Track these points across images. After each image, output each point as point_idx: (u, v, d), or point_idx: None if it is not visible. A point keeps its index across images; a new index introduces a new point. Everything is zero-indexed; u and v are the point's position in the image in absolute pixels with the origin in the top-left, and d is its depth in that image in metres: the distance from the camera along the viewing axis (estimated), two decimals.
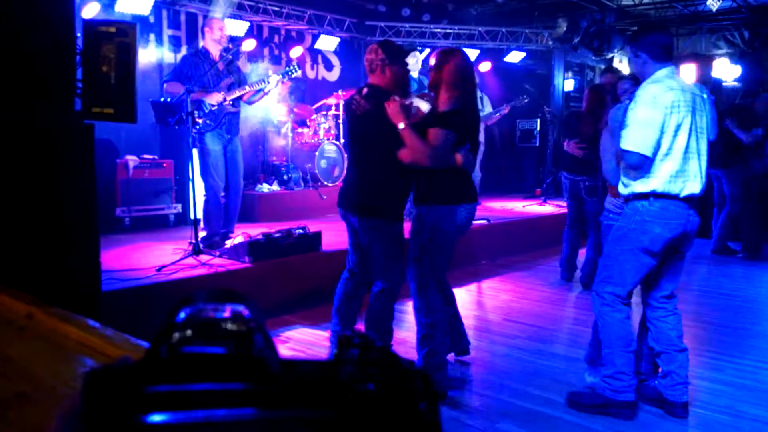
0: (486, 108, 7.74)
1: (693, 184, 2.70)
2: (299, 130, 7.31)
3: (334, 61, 8.88)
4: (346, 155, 7.39)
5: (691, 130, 2.68)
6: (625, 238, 2.79)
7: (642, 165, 2.67)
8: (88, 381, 0.29)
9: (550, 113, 9.55)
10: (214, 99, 4.64)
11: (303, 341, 3.84)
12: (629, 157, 2.67)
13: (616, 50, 10.02)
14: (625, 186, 2.80)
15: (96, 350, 0.98)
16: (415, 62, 6.32)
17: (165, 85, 4.69)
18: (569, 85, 10.30)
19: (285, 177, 6.97)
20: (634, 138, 2.65)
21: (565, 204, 5.59)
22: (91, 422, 0.28)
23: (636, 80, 2.95)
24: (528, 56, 9.87)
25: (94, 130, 2.65)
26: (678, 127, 2.66)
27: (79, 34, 2.72)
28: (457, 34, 9.31)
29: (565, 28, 9.36)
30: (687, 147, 2.68)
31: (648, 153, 2.64)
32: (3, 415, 0.78)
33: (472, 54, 9.20)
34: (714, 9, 8.24)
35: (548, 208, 7.81)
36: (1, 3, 2.35)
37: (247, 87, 4.81)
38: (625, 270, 2.79)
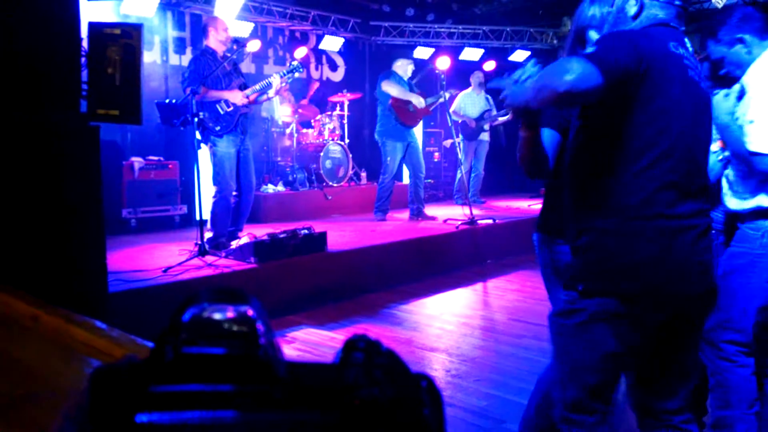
0: (493, 109, 7.74)
1: None
2: (304, 130, 7.32)
3: (339, 61, 8.88)
4: (351, 155, 7.43)
5: None
6: (751, 267, 2.19)
7: None
8: (93, 379, 0.29)
9: None
10: (237, 98, 4.61)
11: (308, 341, 3.85)
12: (763, 163, 2.06)
13: None
14: (743, 199, 2.20)
15: (102, 351, 0.98)
16: (406, 66, 6.56)
17: (185, 91, 4.63)
18: None
19: (290, 178, 6.98)
20: None
21: None
22: (96, 421, 0.28)
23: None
24: (533, 55, 9.85)
25: (99, 131, 2.66)
26: None
27: (84, 36, 2.73)
28: (462, 34, 9.30)
29: (569, 27, 9.34)
30: None
31: None
32: (10, 415, 0.78)
33: (477, 53, 9.20)
34: (720, 6, 8.21)
35: None
36: (5, 5, 2.36)
37: (257, 86, 4.82)
38: (749, 310, 2.22)
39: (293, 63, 5.16)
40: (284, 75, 4.97)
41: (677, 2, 1.59)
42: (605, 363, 1.56)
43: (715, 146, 2.28)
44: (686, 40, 1.59)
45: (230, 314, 0.31)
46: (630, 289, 1.51)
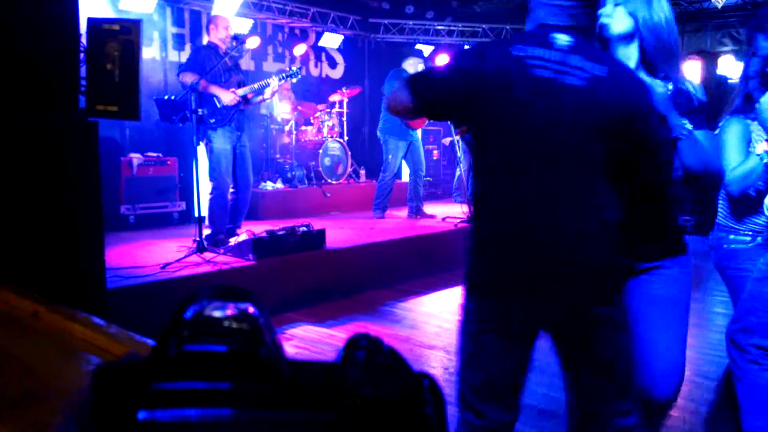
0: None
1: None
2: (303, 127, 7.32)
3: (338, 58, 8.87)
4: (349, 153, 7.43)
5: None
6: None
7: None
8: (96, 377, 0.29)
9: None
10: (228, 99, 4.64)
11: (307, 338, 3.85)
12: None
13: None
14: None
15: (101, 348, 0.98)
16: (417, 66, 6.43)
17: (180, 75, 4.66)
18: None
19: (289, 175, 6.97)
20: None
21: None
22: (99, 419, 0.28)
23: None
24: None
25: (98, 127, 2.65)
26: None
27: (83, 32, 2.73)
28: (461, 32, 9.29)
29: None
30: None
31: None
32: (9, 413, 0.78)
33: None
34: (719, 6, 8.21)
35: None
36: (4, 1, 2.35)
37: (255, 85, 4.85)
38: None
39: (293, 68, 5.21)
40: (283, 78, 5.01)
41: (566, 3, 1.48)
42: (480, 364, 1.55)
43: (760, 148, 2.19)
44: (556, 35, 1.46)
45: (232, 312, 0.31)
46: (486, 291, 1.51)
